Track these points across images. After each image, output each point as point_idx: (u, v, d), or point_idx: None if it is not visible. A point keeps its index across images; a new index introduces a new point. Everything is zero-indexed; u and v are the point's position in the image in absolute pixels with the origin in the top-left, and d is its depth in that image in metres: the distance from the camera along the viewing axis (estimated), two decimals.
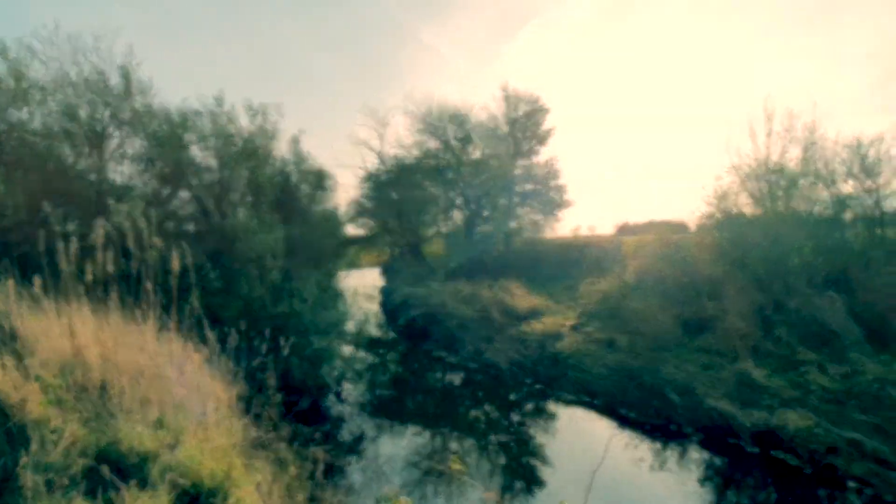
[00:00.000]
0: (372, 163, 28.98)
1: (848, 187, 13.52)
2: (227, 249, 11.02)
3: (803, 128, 13.78)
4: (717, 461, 8.58)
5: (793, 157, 13.93)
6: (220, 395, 5.24)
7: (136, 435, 3.62)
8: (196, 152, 12.38)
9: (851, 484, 7.44)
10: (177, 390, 4.50)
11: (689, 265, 14.57)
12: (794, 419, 8.72)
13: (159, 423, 3.97)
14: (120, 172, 11.69)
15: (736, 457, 8.65)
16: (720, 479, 7.99)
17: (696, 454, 8.85)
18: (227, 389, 5.40)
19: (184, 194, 12.49)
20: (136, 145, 11.78)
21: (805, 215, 13.52)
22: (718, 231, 14.64)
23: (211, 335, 4.98)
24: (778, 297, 12.24)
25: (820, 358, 10.23)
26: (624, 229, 30.86)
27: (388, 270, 30.77)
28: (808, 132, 13.72)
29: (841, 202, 13.43)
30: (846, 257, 12.63)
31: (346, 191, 32.72)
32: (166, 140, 11.61)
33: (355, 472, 8.17)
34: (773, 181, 13.94)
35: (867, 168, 13.10)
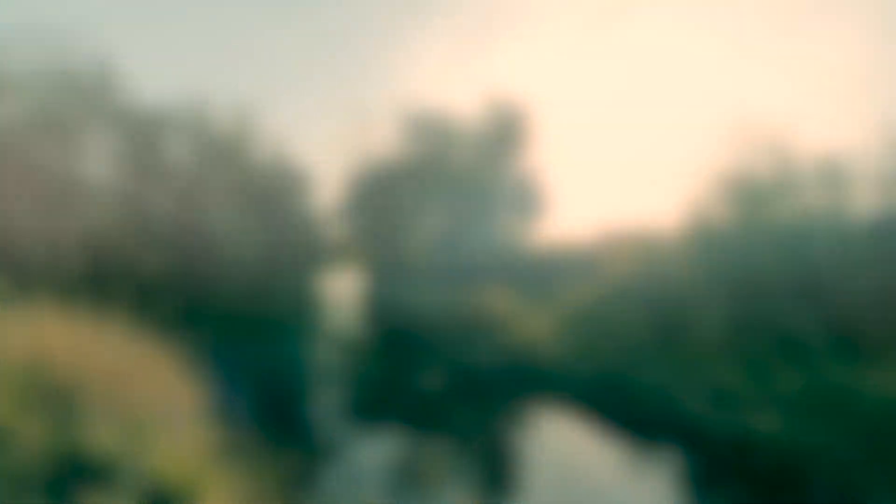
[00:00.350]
0: (356, 165, 28.89)
1: (822, 198, 13.91)
2: (206, 250, 10.84)
3: (779, 139, 14.17)
4: (692, 465, 8.70)
5: (769, 168, 14.30)
6: (194, 399, 5.14)
7: (103, 439, 3.52)
8: (174, 151, 12.18)
9: (819, 486, 7.61)
10: (149, 394, 4.40)
11: (668, 273, 14.82)
12: (766, 424, 8.91)
13: (129, 427, 3.86)
14: (94, 169, 11.43)
15: (710, 460, 8.79)
16: (693, 483, 8.10)
17: (673, 458, 8.96)
18: (203, 393, 5.31)
19: (161, 194, 12.26)
20: (111, 142, 11.54)
21: (779, 226, 13.86)
22: (695, 240, 14.93)
23: (187, 338, 4.89)
24: (754, 305, 12.52)
25: (793, 365, 10.48)
26: (606, 234, 31.15)
27: (369, 273, 30.63)
28: (783, 143, 14.12)
29: (815, 213, 13.81)
30: (819, 267, 12.97)
31: (330, 193, 32.55)
32: (143, 138, 11.40)
33: (333, 477, 8.07)
34: (749, 191, 14.28)
35: (840, 180, 13.52)
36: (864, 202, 13.47)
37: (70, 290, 4.43)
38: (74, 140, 10.97)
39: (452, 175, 27.28)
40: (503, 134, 29.06)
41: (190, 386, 4.73)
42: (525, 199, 29.32)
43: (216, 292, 10.22)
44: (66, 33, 11.42)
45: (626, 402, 10.95)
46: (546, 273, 23.54)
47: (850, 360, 10.36)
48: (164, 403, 4.17)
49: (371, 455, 8.96)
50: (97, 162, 11.40)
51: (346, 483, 7.83)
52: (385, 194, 26.45)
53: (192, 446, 3.74)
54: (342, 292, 30.11)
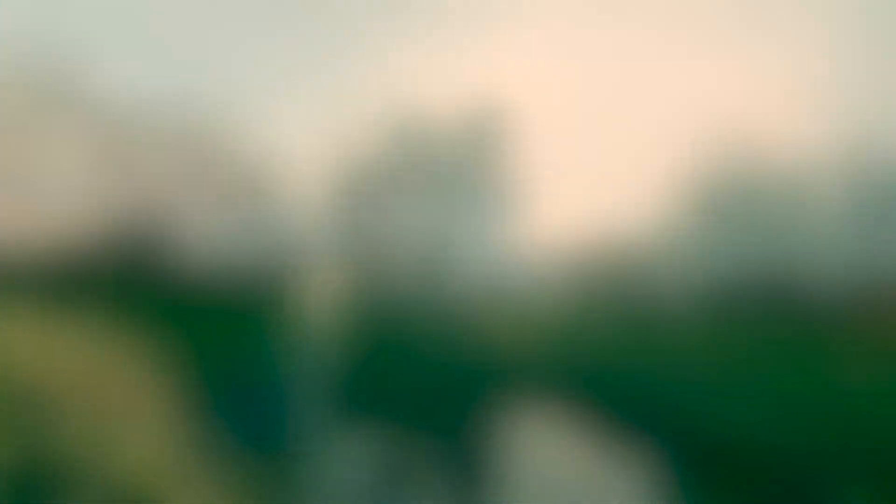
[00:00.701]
0: (338, 165, 28.79)
1: (792, 200, 14.24)
2: (184, 254, 10.64)
3: (748, 143, 14.48)
4: (678, 460, 8.82)
5: (738, 171, 14.60)
6: (166, 402, 5.03)
7: (68, 447, 3.42)
8: (150, 150, 11.93)
9: (799, 479, 7.78)
10: (118, 397, 4.29)
11: (648, 272, 15.03)
12: (748, 421, 9.09)
13: (96, 432, 3.76)
14: (65, 166, 11.14)
15: (693, 456, 8.92)
16: (680, 478, 8.21)
17: (660, 453, 9.07)
18: (176, 398, 5.19)
19: (138, 195, 12.00)
20: (83, 140, 11.26)
21: (750, 227, 14.17)
22: (673, 241, 15.17)
23: (161, 339, 4.79)
24: (733, 305, 12.77)
25: (776, 364, 10.71)
26: (593, 237, 31.50)
27: (350, 273, 30.52)
28: (752, 147, 14.43)
29: (783, 216, 14.14)
30: (790, 269, 13.27)
31: (312, 192, 32.34)
32: (117, 136, 11.15)
33: (314, 484, 7.98)
34: (721, 193, 14.57)
35: (808, 181, 13.86)
36: (830, 206, 13.82)
37: (38, 291, 4.29)
38: (44, 135, 10.68)
39: (435, 175, 27.32)
40: (486, 135, 29.19)
41: (162, 389, 4.62)
42: (507, 201, 29.51)
43: (193, 292, 10.02)
44: (43, 27, 11.12)
45: (608, 400, 11.05)
46: (528, 273, 23.68)
47: (825, 357, 10.62)
48: (133, 407, 4.07)
49: (351, 456, 8.89)
50: (68, 158, 11.12)
51: (324, 485, 7.75)
52: (366, 194, 26.40)
53: (163, 451, 3.66)
54: (323, 292, 29.94)
